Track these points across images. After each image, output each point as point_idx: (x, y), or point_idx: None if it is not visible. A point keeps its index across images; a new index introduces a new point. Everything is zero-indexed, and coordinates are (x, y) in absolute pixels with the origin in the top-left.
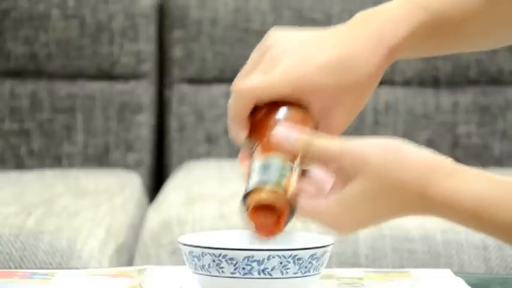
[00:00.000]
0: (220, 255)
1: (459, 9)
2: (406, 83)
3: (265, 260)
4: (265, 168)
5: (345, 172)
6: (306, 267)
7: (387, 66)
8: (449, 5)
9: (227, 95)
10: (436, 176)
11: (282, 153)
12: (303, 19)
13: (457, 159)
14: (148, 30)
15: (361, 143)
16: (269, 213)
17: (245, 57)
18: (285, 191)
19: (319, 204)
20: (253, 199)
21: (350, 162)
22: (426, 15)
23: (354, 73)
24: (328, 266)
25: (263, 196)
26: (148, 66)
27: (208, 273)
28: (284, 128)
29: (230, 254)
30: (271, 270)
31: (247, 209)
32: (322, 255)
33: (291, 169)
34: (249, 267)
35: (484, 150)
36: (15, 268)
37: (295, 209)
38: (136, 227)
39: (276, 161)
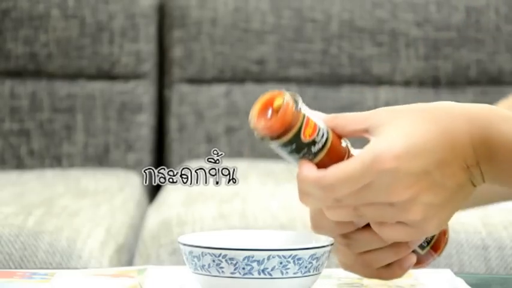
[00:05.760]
0: (220, 255)
1: None
2: (406, 83)
3: (265, 260)
4: None
5: (377, 123)
6: (306, 267)
7: None
8: None
9: (227, 94)
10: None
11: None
12: (303, 19)
13: None
14: (148, 30)
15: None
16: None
17: (245, 57)
18: (296, 107)
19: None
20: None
21: (381, 116)
22: None
23: None
24: (328, 266)
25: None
26: (148, 66)
27: (208, 273)
28: None
29: (230, 254)
30: (271, 270)
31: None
32: (322, 255)
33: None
34: (249, 267)
35: None
36: (15, 268)
37: (300, 128)
38: (136, 227)
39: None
